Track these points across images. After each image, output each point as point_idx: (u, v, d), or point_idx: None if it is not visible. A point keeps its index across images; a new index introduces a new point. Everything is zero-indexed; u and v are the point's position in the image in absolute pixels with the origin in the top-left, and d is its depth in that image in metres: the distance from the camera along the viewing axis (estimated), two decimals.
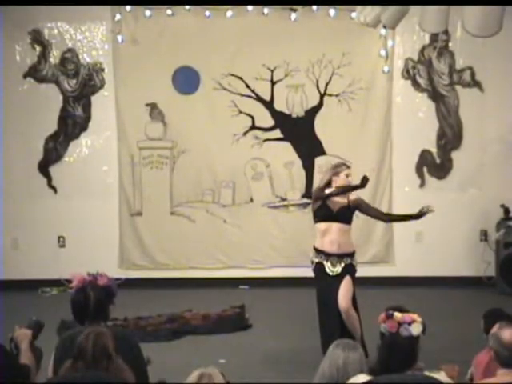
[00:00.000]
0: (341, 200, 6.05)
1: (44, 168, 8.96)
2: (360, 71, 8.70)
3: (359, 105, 8.75)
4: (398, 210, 8.89)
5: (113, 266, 8.60)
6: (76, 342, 3.53)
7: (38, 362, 4.21)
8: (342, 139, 8.82)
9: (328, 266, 6.00)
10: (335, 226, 6.01)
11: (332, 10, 8.54)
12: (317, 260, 6.05)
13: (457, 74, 8.81)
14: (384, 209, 8.86)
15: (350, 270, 6.05)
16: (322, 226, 6.05)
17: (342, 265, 6.00)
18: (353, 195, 6.11)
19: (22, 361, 4.08)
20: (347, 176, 6.05)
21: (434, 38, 8.69)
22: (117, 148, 8.91)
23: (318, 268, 6.05)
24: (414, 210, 8.80)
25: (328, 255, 6.00)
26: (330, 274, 6.00)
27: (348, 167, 6.16)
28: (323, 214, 6.04)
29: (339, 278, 5.99)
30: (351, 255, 6.08)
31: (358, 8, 7.22)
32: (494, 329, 3.81)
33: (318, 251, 6.05)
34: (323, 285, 6.04)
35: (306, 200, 8.80)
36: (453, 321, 7.35)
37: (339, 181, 6.03)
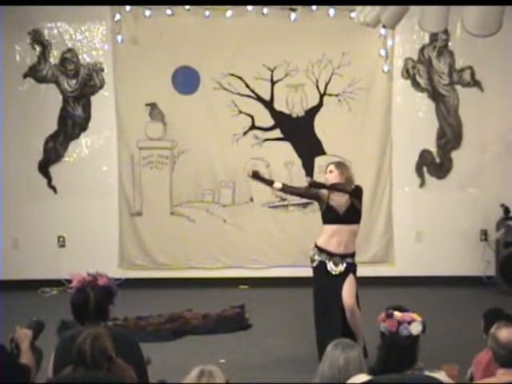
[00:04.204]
0: (343, 199, 6.04)
1: (44, 168, 8.96)
2: (360, 71, 8.70)
3: (359, 104, 8.75)
4: (397, 209, 8.92)
5: (113, 266, 8.61)
6: (76, 343, 3.53)
7: (38, 363, 4.21)
8: (342, 139, 8.82)
9: (330, 265, 6.00)
10: (345, 229, 6.01)
11: (331, 10, 8.54)
12: (319, 258, 6.05)
13: (457, 74, 8.81)
14: (384, 208, 8.91)
15: (352, 268, 6.06)
16: (332, 227, 6.04)
17: (345, 264, 6.01)
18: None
19: (22, 361, 4.08)
20: (325, 173, 6.18)
21: (434, 37, 8.70)
22: (117, 148, 8.91)
23: (320, 267, 6.04)
24: (414, 210, 8.91)
25: (331, 255, 6.00)
26: (333, 273, 6.00)
27: (330, 164, 6.22)
28: (331, 216, 6.04)
29: (341, 277, 5.99)
30: (353, 255, 6.09)
31: (358, 8, 7.22)
32: (492, 329, 3.81)
33: (320, 250, 6.05)
34: (324, 284, 6.03)
35: (305, 200, 8.80)
36: (453, 320, 7.35)
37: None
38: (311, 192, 6.25)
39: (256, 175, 6.23)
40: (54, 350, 4.05)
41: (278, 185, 6.19)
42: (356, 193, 6.03)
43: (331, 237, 6.02)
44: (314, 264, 6.09)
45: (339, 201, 6.04)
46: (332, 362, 3.56)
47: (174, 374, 4.76)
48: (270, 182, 6.27)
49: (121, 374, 3.54)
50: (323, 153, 8.79)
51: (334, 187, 6.01)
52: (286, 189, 6.27)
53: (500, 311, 4.65)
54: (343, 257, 6.01)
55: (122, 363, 3.60)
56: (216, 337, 7.11)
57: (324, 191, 6.10)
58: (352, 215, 6.04)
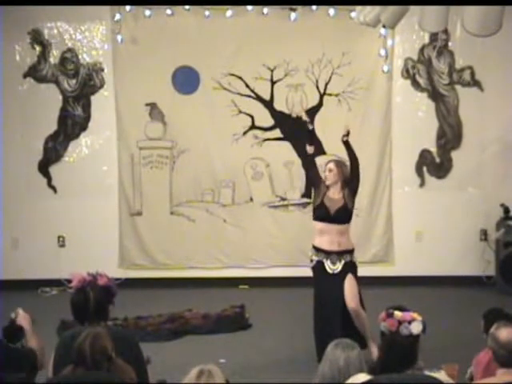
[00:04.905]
0: (338, 198, 6.06)
1: (44, 168, 8.96)
2: (360, 71, 8.70)
3: (359, 104, 8.75)
4: (397, 209, 8.92)
5: (113, 266, 8.60)
6: (76, 343, 3.53)
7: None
8: (339, 140, 8.79)
9: (328, 264, 6.00)
10: (333, 228, 6.02)
11: (331, 10, 8.53)
12: (317, 258, 6.05)
13: (456, 74, 8.81)
14: (384, 208, 8.91)
15: (351, 267, 6.05)
16: (319, 225, 6.08)
17: (342, 262, 6.01)
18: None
19: (29, 342, 4.10)
20: (324, 171, 6.20)
21: (434, 37, 8.69)
22: (117, 148, 8.91)
23: (318, 266, 6.04)
24: (414, 210, 8.90)
25: (328, 253, 6.00)
26: (330, 272, 6.00)
27: (330, 162, 6.25)
28: (321, 214, 6.06)
29: (340, 276, 5.99)
30: (351, 252, 6.09)
31: (358, 8, 7.22)
32: (492, 329, 3.81)
33: (317, 249, 6.05)
34: (323, 284, 6.03)
35: (305, 199, 8.81)
36: (453, 320, 7.35)
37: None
38: (317, 174, 6.26)
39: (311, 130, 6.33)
40: (53, 349, 4.05)
41: (311, 149, 6.27)
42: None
43: (321, 235, 6.05)
44: (312, 264, 6.09)
45: (333, 200, 6.06)
46: (332, 362, 3.57)
47: (173, 373, 4.76)
48: (310, 140, 6.34)
49: (121, 374, 3.54)
50: (323, 152, 8.78)
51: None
52: (310, 158, 6.36)
53: (500, 311, 4.65)
54: (340, 254, 6.01)
55: (121, 363, 3.60)
56: (216, 337, 7.11)
57: (323, 187, 6.11)
58: (342, 216, 6.05)
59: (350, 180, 6.12)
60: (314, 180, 6.35)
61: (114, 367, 3.53)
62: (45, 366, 4.13)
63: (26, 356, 4.04)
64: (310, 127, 6.36)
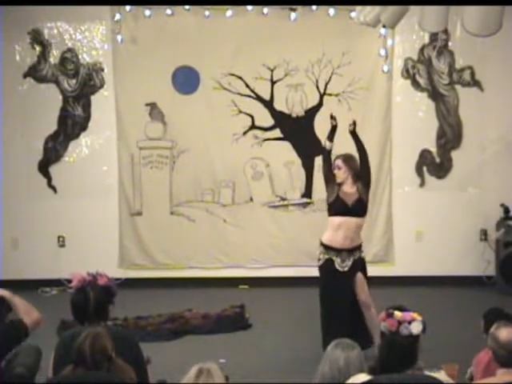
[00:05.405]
0: (352, 191, 6.05)
1: (44, 168, 8.96)
2: (360, 71, 8.70)
3: (359, 104, 8.74)
4: (397, 209, 8.92)
5: (113, 266, 8.61)
6: (75, 343, 3.53)
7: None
8: (342, 139, 8.77)
9: (338, 262, 5.99)
10: (352, 221, 6.01)
11: (331, 10, 8.53)
12: (326, 256, 6.03)
13: (456, 74, 8.81)
14: (384, 208, 8.91)
15: (360, 264, 6.08)
16: (337, 220, 6.03)
17: (352, 259, 6.01)
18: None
19: (16, 309, 4.10)
20: (333, 169, 6.19)
21: (434, 37, 8.69)
22: (117, 148, 8.91)
23: (327, 265, 6.02)
24: (414, 210, 8.90)
25: (338, 251, 5.99)
26: (340, 269, 5.99)
27: (337, 158, 6.23)
28: (339, 208, 6.03)
29: (349, 273, 6.00)
30: (360, 247, 6.10)
31: (358, 8, 7.22)
32: (492, 329, 3.81)
33: (326, 247, 6.04)
34: (332, 282, 6.01)
35: (305, 199, 8.81)
36: (453, 320, 7.35)
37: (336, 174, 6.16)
38: (331, 170, 6.19)
39: (334, 126, 6.28)
40: (53, 349, 4.05)
41: (330, 145, 6.23)
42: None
43: (337, 230, 6.00)
44: (321, 262, 6.07)
45: (348, 194, 6.05)
46: (332, 362, 3.57)
47: (173, 373, 4.76)
48: (330, 137, 6.28)
49: (121, 374, 3.54)
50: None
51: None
52: (327, 154, 6.26)
53: (500, 311, 4.65)
54: (350, 251, 6.01)
55: (121, 363, 3.61)
56: (216, 337, 7.11)
57: (336, 184, 6.11)
58: (359, 208, 6.05)
59: (361, 173, 6.11)
60: (327, 176, 6.27)
61: (114, 367, 3.53)
62: (39, 324, 4.18)
63: (16, 328, 4.07)
64: (334, 123, 6.31)
